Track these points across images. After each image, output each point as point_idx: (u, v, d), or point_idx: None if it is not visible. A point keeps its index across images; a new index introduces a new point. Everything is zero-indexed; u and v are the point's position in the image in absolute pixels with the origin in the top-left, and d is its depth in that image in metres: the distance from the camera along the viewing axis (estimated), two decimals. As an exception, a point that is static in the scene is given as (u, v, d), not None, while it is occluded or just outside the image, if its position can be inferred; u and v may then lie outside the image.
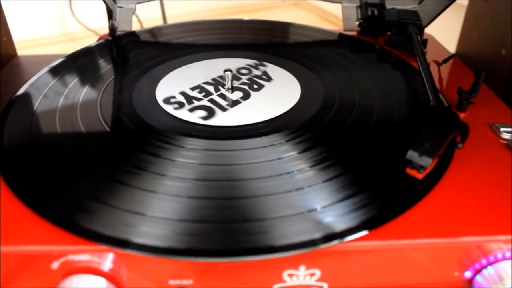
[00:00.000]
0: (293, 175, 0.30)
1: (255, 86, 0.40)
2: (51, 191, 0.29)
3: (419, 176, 0.29)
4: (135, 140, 0.33)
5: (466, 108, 0.37)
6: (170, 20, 0.98)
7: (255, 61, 0.45)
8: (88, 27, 0.97)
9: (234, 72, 0.42)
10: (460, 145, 0.30)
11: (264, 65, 0.44)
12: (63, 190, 0.29)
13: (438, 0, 0.51)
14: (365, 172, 0.30)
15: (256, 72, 0.43)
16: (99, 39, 0.53)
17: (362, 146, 0.33)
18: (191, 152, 0.32)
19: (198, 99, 0.38)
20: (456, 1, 0.53)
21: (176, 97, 0.38)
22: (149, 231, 0.26)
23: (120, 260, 0.26)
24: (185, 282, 0.26)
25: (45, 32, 1.00)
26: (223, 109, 0.37)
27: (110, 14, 0.52)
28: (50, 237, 0.26)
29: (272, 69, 0.43)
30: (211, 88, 0.40)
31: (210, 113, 0.36)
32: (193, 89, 0.40)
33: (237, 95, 0.39)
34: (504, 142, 0.34)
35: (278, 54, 0.46)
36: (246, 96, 0.39)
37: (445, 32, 0.65)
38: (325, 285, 0.27)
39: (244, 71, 0.43)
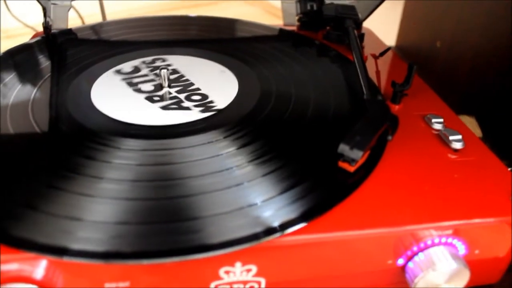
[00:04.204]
0: (232, 171, 0.30)
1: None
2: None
3: (351, 169, 0.29)
4: (69, 142, 0.32)
5: (400, 100, 0.39)
6: (110, 17, 0.95)
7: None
8: (25, 23, 0.93)
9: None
10: (389, 137, 0.31)
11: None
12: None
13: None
14: (302, 166, 0.31)
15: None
16: (33, 36, 0.51)
17: (299, 140, 0.33)
18: (128, 153, 0.31)
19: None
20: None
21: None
22: (86, 236, 0.25)
23: (54, 266, 0.25)
24: (121, 284, 0.26)
25: (-21, 29, 0.96)
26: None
27: (45, 11, 0.50)
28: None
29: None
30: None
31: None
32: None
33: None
34: (436, 132, 0.35)
35: (216, 50, 0.46)
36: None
37: (387, 25, 0.67)
38: (262, 280, 0.27)
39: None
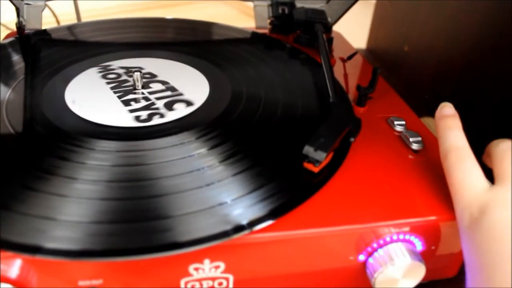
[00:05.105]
0: (204, 171, 0.31)
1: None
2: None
3: (315, 169, 0.31)
4: (44, 143, 0.33)
5: (365, 103, 0.40)
6: (87, 15, 0.95)
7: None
8: (-2, 21, 0.92)
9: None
10: (351, 139, 0.33)
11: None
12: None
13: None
14: (270, 166, 0.32)
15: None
16: (6, 37, 0.51)
17: (267, 141, 0.35)
18: (102, 154, 0.32)
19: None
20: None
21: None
22: (60, 235, 0.26)
23: (28, 265, 0.26)
24: (95, 282, 0.27)
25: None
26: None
27: (18, 11, 0.51)
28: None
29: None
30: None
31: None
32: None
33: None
34: (397, 134, 0.37)
35: (188, 53, 0.47)
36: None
37: (358, 29, 0.69)
38: (230, 276, 0.28)
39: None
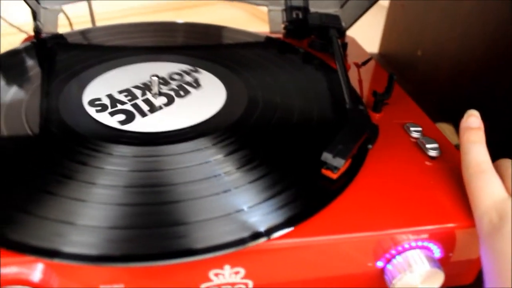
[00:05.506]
0: (220, 177, 0.31)
1: (182, 92, 0.41)
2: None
3: (334, 176, 0.31)
4: (62, 148, 0.33)
5: (381, 109, 0.40)
6: (99, 17, 0.96)
7: (182, 65, 0.46)
8: (10, 23, 0.93)
9: (164, 76, 0.43)
10: (369, 146, 0.33)
11: (191, 69, 0.45)
12: (-14, 203, 0.28)
13: (359, 2, 0.54)
14: (287, 173, 0.32)
15: (184, 76, 0.44)
16: (24, 40, 0.52)
17: (285, 147, 0.35)
18: (119, 159, 0.32)
19: (122, 103, 0.38)
20: (382, 3, 0.56)
21: (102, 99, 0.39)
22: (79, 240, 0.26)
23: (50, 269, 0.26)
24: (116, 286, 0.27)
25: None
26: (143, 114, 0.37)
27: (35, 15, 0.51)
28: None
29: (199, 73, 0.44)
30: (138, 93, 0.40)
31: (129, 118, 0.37)
32: (120, 92, 0.40)
33: (163, 100, 0.40)
34: (414, 140, 0.37)
35: (204, 58, 0.47)
36: (173, 101, 0.40)
37: (370, 33, 0.69)
38: (250, 282, 0.29)
39: (172, 75, 0.44)
